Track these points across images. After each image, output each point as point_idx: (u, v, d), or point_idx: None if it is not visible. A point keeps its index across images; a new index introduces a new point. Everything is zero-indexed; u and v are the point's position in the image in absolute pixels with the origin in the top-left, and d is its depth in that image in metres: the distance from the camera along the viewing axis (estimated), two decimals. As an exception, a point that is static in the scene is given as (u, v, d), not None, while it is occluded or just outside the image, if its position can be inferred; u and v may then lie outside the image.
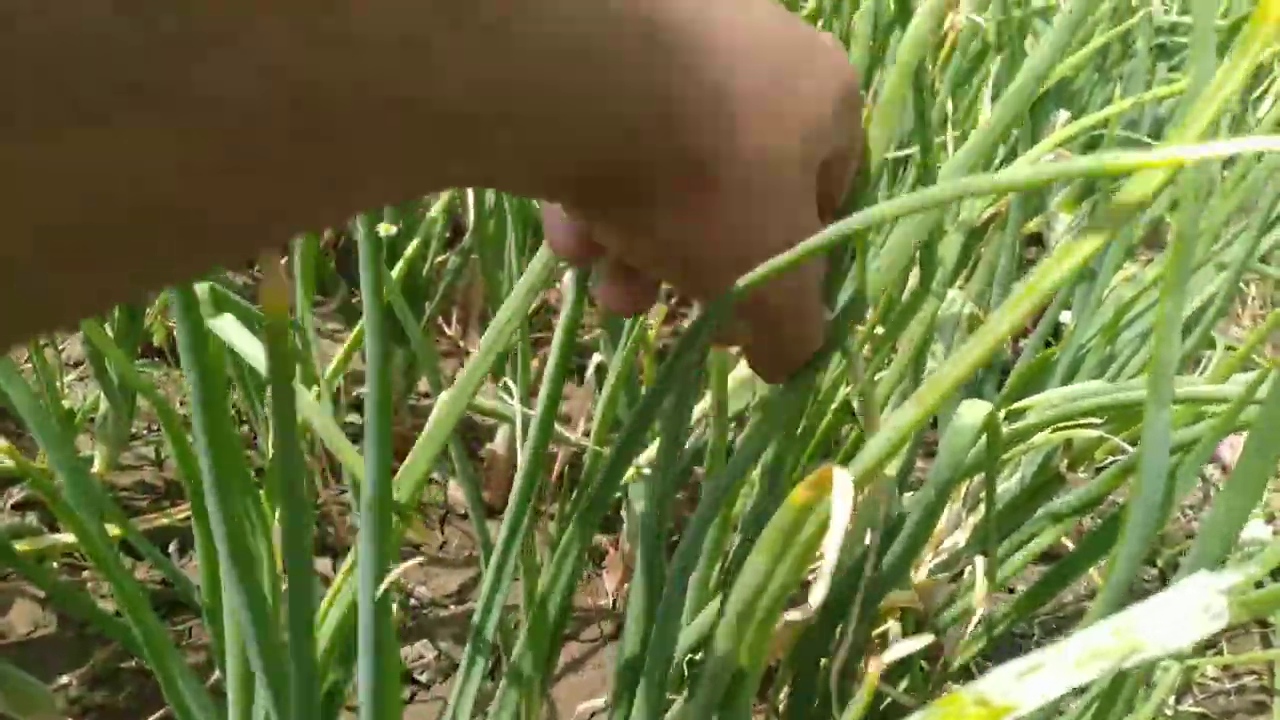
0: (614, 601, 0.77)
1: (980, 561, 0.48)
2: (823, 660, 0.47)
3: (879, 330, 0.53)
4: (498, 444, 0.84)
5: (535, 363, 0.76)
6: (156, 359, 0.87)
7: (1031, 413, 0.51)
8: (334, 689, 0.48)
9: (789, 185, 0.23)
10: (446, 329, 1.07)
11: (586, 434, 0.84)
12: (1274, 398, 0.25)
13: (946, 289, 0.56)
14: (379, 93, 0.16)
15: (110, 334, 0.72)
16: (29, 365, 0.76)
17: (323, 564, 0.73)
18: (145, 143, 0.13)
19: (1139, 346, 0.72)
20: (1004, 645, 0.65)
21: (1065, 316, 1.32)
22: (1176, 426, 0.45)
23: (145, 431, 0.83)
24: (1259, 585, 0.27)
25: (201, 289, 0.43)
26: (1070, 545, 0.60)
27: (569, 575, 0.50)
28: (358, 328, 0.65)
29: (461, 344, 1.05)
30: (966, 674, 0.63)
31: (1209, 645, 0.83)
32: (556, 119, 0.19)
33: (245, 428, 0.81)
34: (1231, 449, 0.94)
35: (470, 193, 0.76)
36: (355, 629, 0.41)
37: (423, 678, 0.68)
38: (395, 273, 0.65)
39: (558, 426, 0.45)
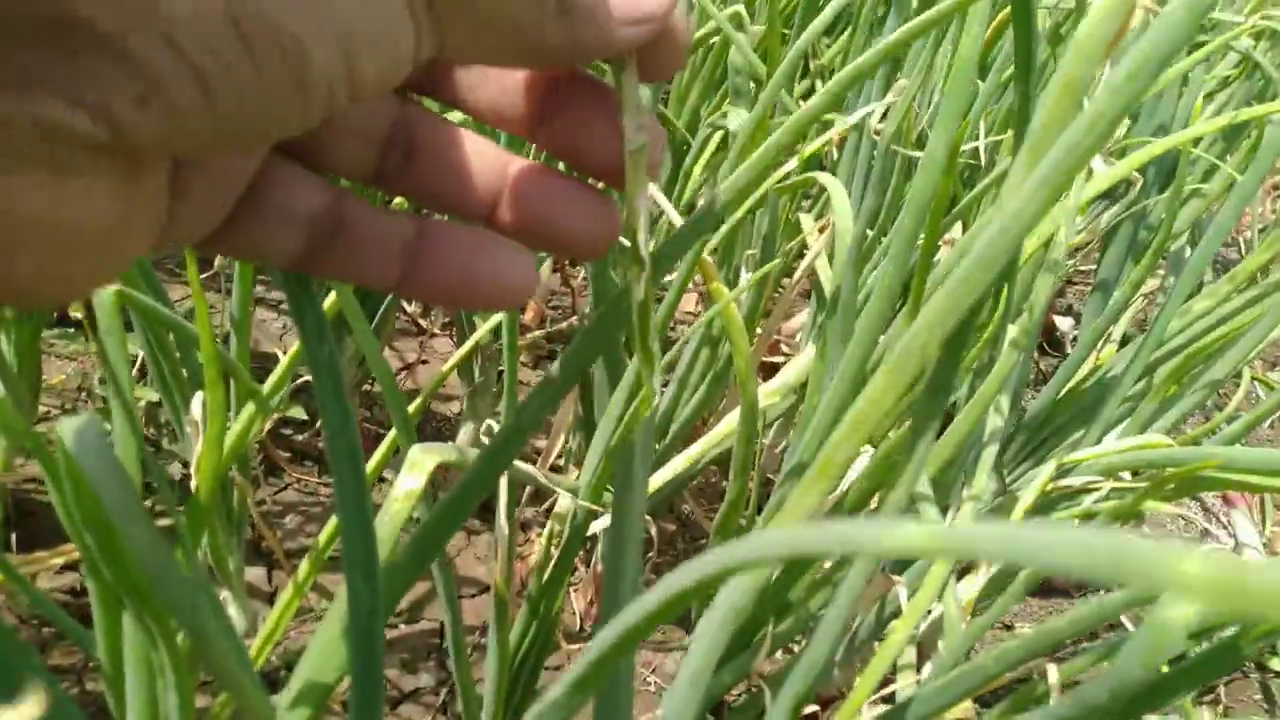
0: (580, 624, 0.70)
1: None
2: None
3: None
4: (461, 441, 0.76)
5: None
6: (76, 329, 0.77)
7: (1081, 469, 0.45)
8: None
9: None
10: (406, 305, 0.98)
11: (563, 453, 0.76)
12: None
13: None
14: None
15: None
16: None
17: (255, 573, 0.66)
18: None
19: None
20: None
21: (1064, 323, 1.27)
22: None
23: (57, 411, 0.74)
24: None
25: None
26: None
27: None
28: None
29: (423, 322, 0.97)
30: None
31: (1207, 690, 0.79)
32: None
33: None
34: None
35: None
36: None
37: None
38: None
39: (537, 472, 0.37)
